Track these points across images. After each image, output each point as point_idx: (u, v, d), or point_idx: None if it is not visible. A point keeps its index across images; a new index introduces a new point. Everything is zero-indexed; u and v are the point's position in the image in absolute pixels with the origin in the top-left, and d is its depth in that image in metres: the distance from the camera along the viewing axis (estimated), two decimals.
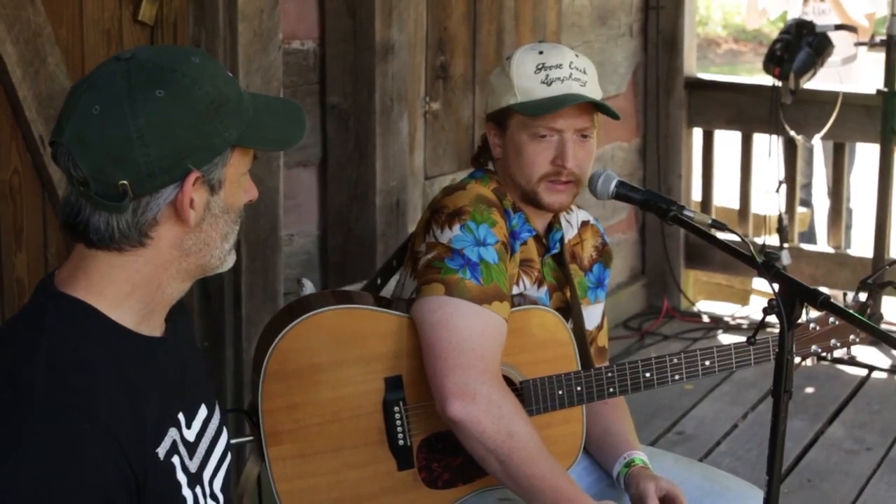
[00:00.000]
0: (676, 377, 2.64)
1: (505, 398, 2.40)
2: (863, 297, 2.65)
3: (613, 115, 2.61)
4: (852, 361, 5.21)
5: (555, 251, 2.70)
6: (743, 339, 2.64)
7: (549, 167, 2.58)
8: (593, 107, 2.59)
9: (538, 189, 2.60)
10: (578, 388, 2.58)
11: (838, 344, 2.72)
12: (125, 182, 1.67)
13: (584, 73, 2.61)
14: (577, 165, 2.58)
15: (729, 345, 2.68)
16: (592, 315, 2.80)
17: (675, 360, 2.64)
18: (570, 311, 2.70)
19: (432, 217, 2.55)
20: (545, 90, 2.57)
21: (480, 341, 2.41)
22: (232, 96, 1.75)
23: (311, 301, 2.57)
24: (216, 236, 1.79)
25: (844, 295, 2.69)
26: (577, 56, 2.63)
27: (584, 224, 2.84)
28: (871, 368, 5.17)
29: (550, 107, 2.55)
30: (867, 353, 5.25)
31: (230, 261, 1.83)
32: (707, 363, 2.65)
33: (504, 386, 2.43)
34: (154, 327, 1.81)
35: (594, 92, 2.61)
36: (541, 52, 2.61)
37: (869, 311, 2.64)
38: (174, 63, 1.71)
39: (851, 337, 2.72)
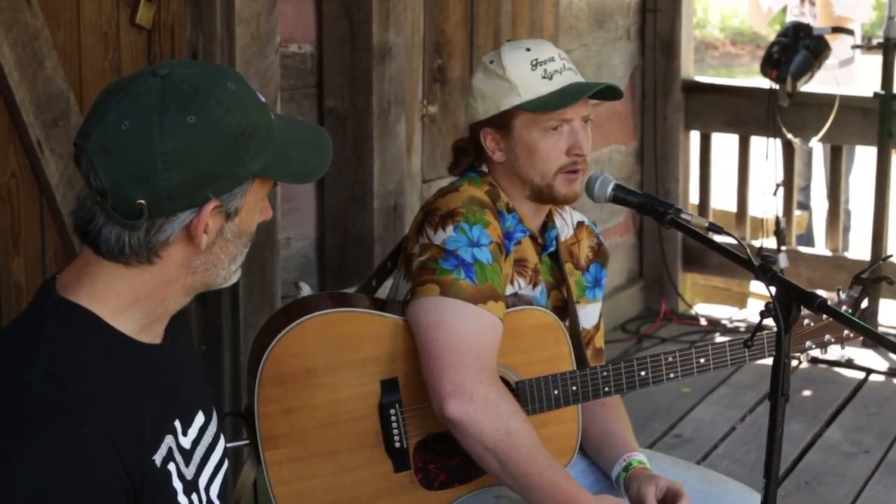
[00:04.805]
0: (671, 375, 2.64)
1: (502, 397, 2.40)
2: (857, 292, 2.65)
3: (619, 95, 2.64)
4: (850, 364, 5.22)
5: (551, 249, 2.71)
6: (740, 341, 2.65)
7: (565, 158, 2.59)
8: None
9: (554, 183, 2.61)
10: (574, 388, 2.58)
11: (832, 339, 2.72)
12: (143, 202, 1.67)
13: (569, 60, 2.65)
14: (588, 151, 2.62)
15: (723, 342, 2.67)
16: (590, 314, 2.81)
17: (670, 359, 2.64)
18: (566, 309, 2.70)
19: (425, 219, 2.55)
20: (548, 84, 2.58)
21: (476, 340, 2.41)
22: (261, 125, 1.74)
23: (308, 303, 2.57)
24: (225, 259, 1.79)
25: (838, 290, 2.69)
26: (555, 46, 2.68)
27: (580, 224, 2.84)
28: (869, 371, 5.18)
29: (567, 99, 2.57)
30: (864, 356, 5.26)
31: (234, 279, 1.84)
32: (702, 361, 2.65)
33: (501, 385, 2.43)
34: (154, 335, 1.81)
35: (584, 77, 2.66)
36: (528, 49, 2.62)
37: (864, 304, 2.64)
38: (210, 88, 1.70)
39: (845, 332, 2.71)
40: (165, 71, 1.70)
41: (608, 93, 2.62)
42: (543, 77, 2.58)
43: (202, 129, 1.68)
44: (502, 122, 2.62)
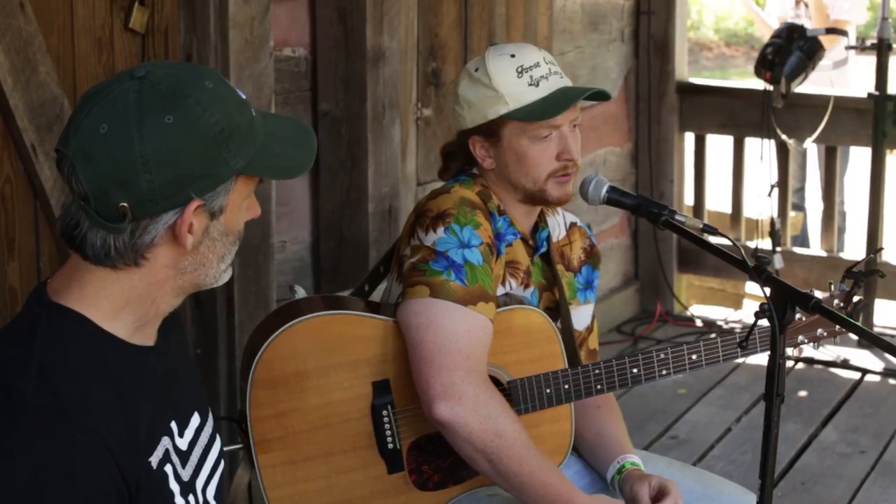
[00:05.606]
0: (664, 372, 2.64)
1: (492, 398, 2.41)
2: (849, 286, 2.65)
3: (606, 97, 2.64)
4: (845, 365, 5.22)
5: (542, 250, 2.71)
6: (731, 337, 2.65)
7: (556, 164, 2.59)
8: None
9: (546, 187, 2.61)
10: (566, 387, 2.58)
11: (825, 333, 2.72)
12: (125, 204, 1.67)
13: (554, 63, 2.64)
14: (578, 155, 2.62)
15: (715, 338, 2.67)
16: (582, 316, 2.81)
17: (662, 356, 2.64)
18: (559, 310, 2.71)
19: (417, 221, 2.55)
20: (535, 92, 2.58)
21: (466, 342, 2.42)
22: (242, 123, 1.74)
23: (300, 306, 2.57)
24: (213, 258, 1.79)
25: (830, 284, 2.69)
26: (539, 49, 2.66)
27: (573, 226, 2.85)
28: (864, 371, 5.18)
29: (555, 108, 2.56)
30: (860, 356, 5.27)
31: (225, 277, 1.84)
32: (694, 357, 2.65)
33: (491, 386, 2.44)
34: (147, 337, 1.81)
35: (571, 80, 2.65)
36: (512, 56, 2.62)
37: (856, 298, 2.64)
38: (187, 88, 1.70)
39: (837, 326, 2.71)
40: (142, 73, 1.70)
41: (597, 95, 2.62)
42: (530, 84, 2.58)
43: (181, 129, 1.67)
44: (490, 130, 2.62)
